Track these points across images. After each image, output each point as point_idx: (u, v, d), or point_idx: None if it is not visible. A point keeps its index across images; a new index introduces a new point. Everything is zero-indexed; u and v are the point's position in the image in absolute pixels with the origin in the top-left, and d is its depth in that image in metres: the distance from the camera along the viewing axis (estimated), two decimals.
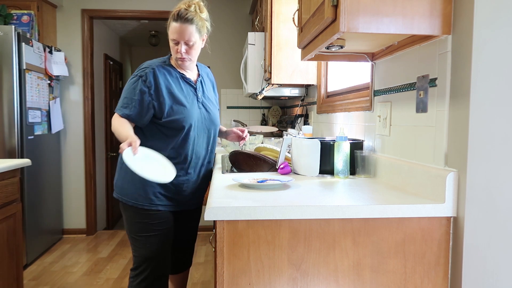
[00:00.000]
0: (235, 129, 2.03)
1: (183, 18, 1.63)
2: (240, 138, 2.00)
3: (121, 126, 1.63)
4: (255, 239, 1.10)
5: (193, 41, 1.68)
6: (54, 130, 3.73)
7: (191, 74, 1.81)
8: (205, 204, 1.86)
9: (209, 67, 4.28)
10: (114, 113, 1.73)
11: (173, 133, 1.71)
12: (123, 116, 1.68)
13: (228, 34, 4.22)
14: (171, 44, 1.70)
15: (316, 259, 1.12)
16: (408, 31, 1.14)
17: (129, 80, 1.72)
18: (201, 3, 1.72)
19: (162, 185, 1.71)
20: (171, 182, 1.68)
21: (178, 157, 1.72)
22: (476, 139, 1.09)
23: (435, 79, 1.23)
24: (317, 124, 2.71)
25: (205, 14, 1.72)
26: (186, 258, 2.03)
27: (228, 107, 4.26)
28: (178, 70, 1.76)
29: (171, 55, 1.78)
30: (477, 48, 1.07)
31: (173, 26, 1.66)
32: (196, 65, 1.86)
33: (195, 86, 1.79)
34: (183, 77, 1.76)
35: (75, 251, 3.67)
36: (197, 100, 1.77)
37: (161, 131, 1.71)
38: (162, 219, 1.74)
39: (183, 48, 1.68)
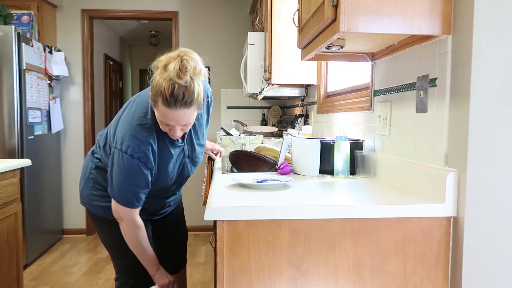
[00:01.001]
0: (209, 152, 2.05)
1: (180, 102, 1.26)
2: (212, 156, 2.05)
3: (143, 243, 1.46)
4: (255, 239, 1.10)
5: (192, 120, 1.36)
6: (54, 130, 3.73)
7: None
8: (205, 204, 1.87)
9: (208, 67, 4.30)
10: (115, 198, 1.42)
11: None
12: (134, 208, 1.43)
13: (228, 34, 4.22)
14: (161, 125, 1.36)
15: (316, 259, 1.12)
16: (408, 31, 1.14)
17: (124, 160, 1.37)
18: (196, 61, 1.30)
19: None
20: (148, 207, 1.60)
21: (156, 199, 1.64)
22: (476, 139, 1.09)
23: (435, 79, 1.23)
24: (317, 124, 2.71)
25: (203, 73, 1.33)
26: (179, 257, 1.95)
27: (228, 107, 4.26)
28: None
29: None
30: (477, 48, 1.07)
31: (164, 111, 1.29)
32: None
33: (182, 144, 1.54)
34: (172, 142, 1.49)
35: (75, 251, 3.67)
36: (184, 155, 1.56)
37: None
38: None
39: (178, 131, 1.37)
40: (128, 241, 1.48)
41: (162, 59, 1.31)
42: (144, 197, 1.45)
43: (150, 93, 1.33)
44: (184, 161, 1.57)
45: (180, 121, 1.31)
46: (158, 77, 1.28)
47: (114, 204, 1.43)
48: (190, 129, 1.54)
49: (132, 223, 1.45)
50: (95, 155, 1.61)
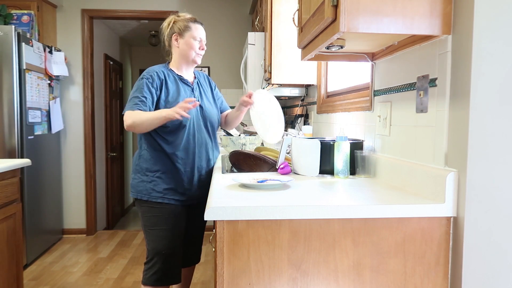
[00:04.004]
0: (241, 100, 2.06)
1: (199, 22, 1.96)
2: (247, 103, 2.00)
3: (148, 112, 1.76)
4: (255, 239, 1.10)
5: (205, 41, 1.98)
6: (54, 130, 3.73)
7: (188, 76, 1.99)
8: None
9: (208, 67, 4.30)
10: (123, 114, 1.80)
11: (174, 134, 1.85)
12: (139, 109, 1.78)
13: (228, 34, 4.22)
14: (192, 42, 1.91)
15: (316, 259, 1.12)
16: (408, 31, 1.14)
17: (139, 80, 1.86)
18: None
19: (174, 180, 1.87)
20: (181, 175, 1.87)
21: (185, 154, 1.87)
22: (476, 139, 1.09)
23: (435, 79, 1.23)
24: (317, 124, 2.71)
25: None
26: (196, 253, 2.15)
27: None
28: (177, 73, 1.95)
29: (168, 62, 2.00)
30: (477, 48, 1.07)
31: (197, 27, 1.93)
32: (194, 72, 2.06)
33: (192, 86, 1.97)
34: (181, 79, 1.94)
35: (75, 251, 3.67)
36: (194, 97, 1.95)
37: (164, 137, 1.85)
38: (174, 214, 1.87)
39: (204, 45, 1.97)
40: (141, 124, 1.75)
41: (168, 20, 1.97)
42: (147, 100, 1.80)
43: (177, 31, 1.91)
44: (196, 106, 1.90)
45: (203, 34, 1.95)
46: (179, 20, 1.93)
47: (124, 116, 1.77)
48: (196, 82, 2.01)
49: (132, 118, 1.75)
50: (140, 144, 1.92)
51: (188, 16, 1.95)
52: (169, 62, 1.99)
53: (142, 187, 1.86)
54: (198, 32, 1.93)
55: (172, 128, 1.84)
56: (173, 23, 1.93)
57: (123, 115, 1.79)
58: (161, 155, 1.86)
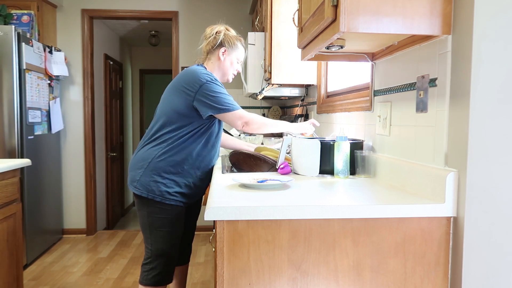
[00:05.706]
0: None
1: (244, 45, 2.02)
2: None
3: (267, 121, 1.86)
4: (255, 239, 1.10)
5: None
6: (54, 130, 3.73)
7: None
8: (205, 204, 1.90)
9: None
10: (230, 111, 1.77)
11: (215, 139, 1.89)
12: (239, 109, 1.81)
13: None
14: (235, 63, 1.98)
15: (316, 259, 1.12)
16: (408, 31, 1.14)
17: (209, 83, 1.78)
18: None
19: (188, 183, 1.84)
20: (196, 177, 1.86)
21: (210, 157, 1.91)
22: (476, 139, 1.09)
23: (435, 79, 1.23)
24: None
25: None
26: (190, 250, 2.21)
27: None
28: None
29: (202, 65, 1.96)
30: (477, 48, 1.07)
31: (243, 50, 2.00)
32: None
33: None
34: None
35: (75, 251, 3.68)
36: None
37: (202, 140, 1.84)
38: (180, 215, 1.87)
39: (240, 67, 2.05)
40: (263, 127, 1.84)
41: (217, 29, 1.95)
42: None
43: (227, 46, 1.93)
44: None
45: (244, 58, 2.02)
46: (229, 34, 1.96)
47: (230, 117, 1.77)
48: None
49: (249, 116, 1.80)
50: (156, 144, 1.82)
51: (237, 34, 1.99)
52: (204, 66, 1.96)
53: (155, 187, 1.79)
54: (243, 55, 2.00)
55: (215, 131, 1.86)
56: (224, 35, 1.92)
57: (209, 112, 1.75)
58: (186, 158, 1.81)
